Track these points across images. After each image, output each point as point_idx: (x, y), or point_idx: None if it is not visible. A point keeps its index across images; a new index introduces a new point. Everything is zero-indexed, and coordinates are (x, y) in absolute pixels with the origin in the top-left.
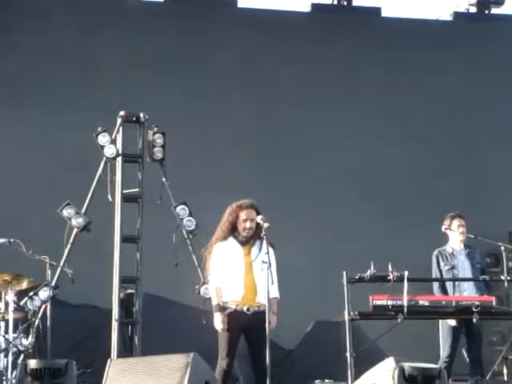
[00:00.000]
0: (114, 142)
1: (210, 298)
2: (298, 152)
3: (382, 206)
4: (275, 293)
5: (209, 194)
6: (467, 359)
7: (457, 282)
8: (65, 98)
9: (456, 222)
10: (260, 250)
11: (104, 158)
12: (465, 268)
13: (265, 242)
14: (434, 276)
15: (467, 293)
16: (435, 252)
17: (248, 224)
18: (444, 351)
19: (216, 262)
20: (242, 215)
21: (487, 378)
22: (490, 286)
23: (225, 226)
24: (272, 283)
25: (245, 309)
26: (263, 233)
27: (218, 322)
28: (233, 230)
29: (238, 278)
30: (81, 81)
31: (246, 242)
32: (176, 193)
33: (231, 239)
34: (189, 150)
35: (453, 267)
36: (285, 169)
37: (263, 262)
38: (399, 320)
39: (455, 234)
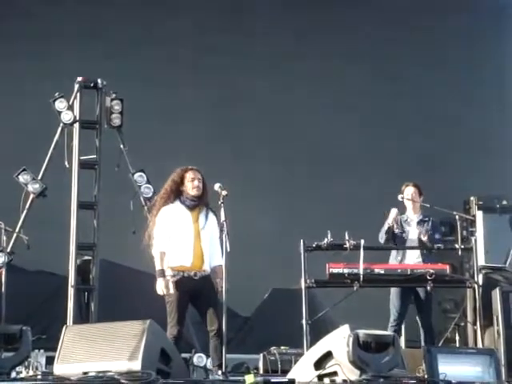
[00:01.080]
0: (71, 107)
1: None
2: (260, 118)
3: (341, 174)
4: (220, 260)
5: (167, 161)
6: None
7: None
8: (26, 65)
9: (407, 191)
10: (206, 217)
11: (61, 124)
12: (412, 236)
13: (222, 209)
14: (384, 228)
15: (409, 259)
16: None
17: (196, 182)
18: (391, 316)
19: (162, 226)
20: (189, 175)
21: (440, 344)
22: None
23: (169, 186)
24: (222, 253)
25: (192, 274)
26: (221, 200)
27: (161, 287)
28: (178, 194)
29: (187, 245)
30: (42, 48)
31: (194, 208)
32: (134, 160)
33: (178, 204)
34: (147, 117)
35: (403, 232)
36: (245, 135)
37: (221, 231)
38: (355, 288)
39: (408, 203)
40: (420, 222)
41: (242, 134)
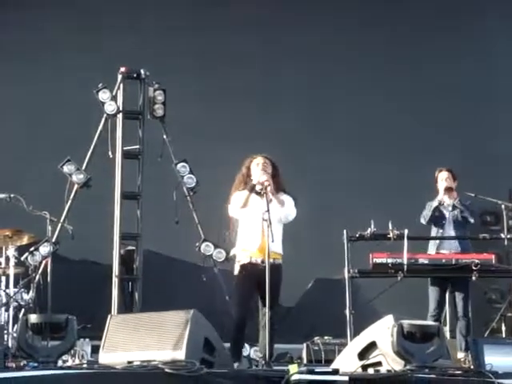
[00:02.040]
0: (114, 98)
1: (210, 255)
2: (304, 107)
3: (383, 164)
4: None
5: (210, 151)
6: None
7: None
8: (66, 57)
9: (441, 176)
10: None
11: (104, 115)
12: (449, 222)
13: (265, 199)
14: (422, 220)
15: (447, 247)
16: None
17: (261, 166)
18: (430, 305)
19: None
20: (255, 162)
21: (485, 335)
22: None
23: (238, 179)
24: (272, 241)
25: (259, 261)
26: (263, 190)
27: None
28: (248, 180)
29: (256, 228)
30: (82, 40)
31: (261, 193)
32: (176, 150)
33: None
34: (190, 107)
35: (441, 215)
36: (289, 123)
37: (263, 220)
38: (399, 278)
39: (442, 187)
40: (454, 208)
41: (283, 122)
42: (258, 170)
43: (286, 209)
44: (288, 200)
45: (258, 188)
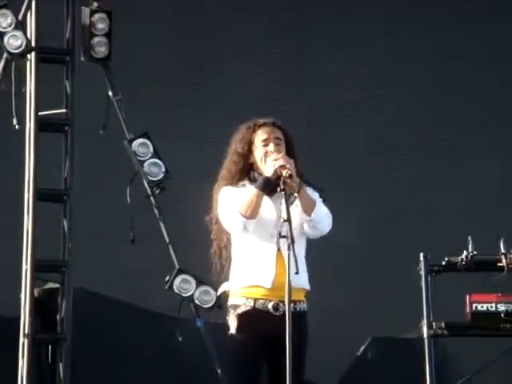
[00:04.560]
0: (21, 25)
1: (189, 298)
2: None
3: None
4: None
5: (188, 122)
6: None
7: None
8: None
9: None
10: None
11: (4, 55)
12: None
13: (283, 199)
14: None
15: None
16: None
17: (271, 146)
18: None
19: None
20: (260, 135)
21: None
22: None
23: (231, 163)
24: (297, 272)
25: (270, 307)
26: (281, 186)
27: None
28: (247, 169)
29: (266, 251)
30: None
31: (274, 189)
32: (131, 118)
33: (247, 184)
34: (155, 46)
35: None
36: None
37: (280, 237)
38: None
39: None
40: None
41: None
42: (269, 149)
43: (318, 214)
44: (318, 199)
45: (274, 181)
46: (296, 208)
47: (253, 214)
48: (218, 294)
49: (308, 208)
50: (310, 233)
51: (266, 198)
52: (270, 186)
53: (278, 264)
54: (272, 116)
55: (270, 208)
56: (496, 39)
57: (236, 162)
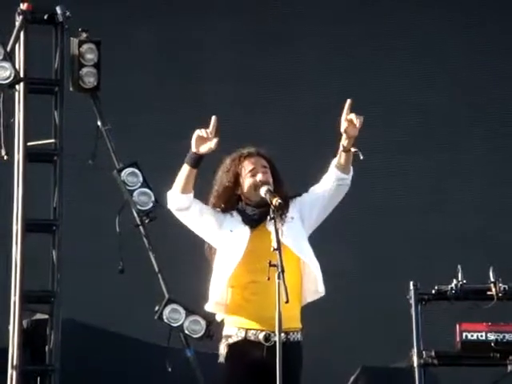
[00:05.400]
0: (9, 57)
1: (178, 327)
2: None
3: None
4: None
5: (177, 149)
6: None
7: None
8: None
9: None
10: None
11: None
12: None
13: (273, 227)
14: None
15: None
16: None
17: (260, 175)
18: None
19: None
20: (246, 166)
21: None
22: None
23: (219, 194)
24: (287, 300)
25: (261, 337)
26: (271, 215)
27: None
28: (234, 200)
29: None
30: None
31: (260, 219)
32: (120, 147)
33: (236, 216)
34: (142, 76)
35: None
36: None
37: (270, 265)
38: (510, 368)
39: None
40: None
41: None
42: (257, 178)
43: (350, 176)
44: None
45: (251, 210)
46: (293, 225)
47: (185, 188)
48: (219, 320)
49: (347, 169)
50: (341, 192)
51: (244, 229)
52: (198, 162)
53: (266, 295)
54: (254, 145)
55: (258, 238)
56: None
57: (223, 195)
